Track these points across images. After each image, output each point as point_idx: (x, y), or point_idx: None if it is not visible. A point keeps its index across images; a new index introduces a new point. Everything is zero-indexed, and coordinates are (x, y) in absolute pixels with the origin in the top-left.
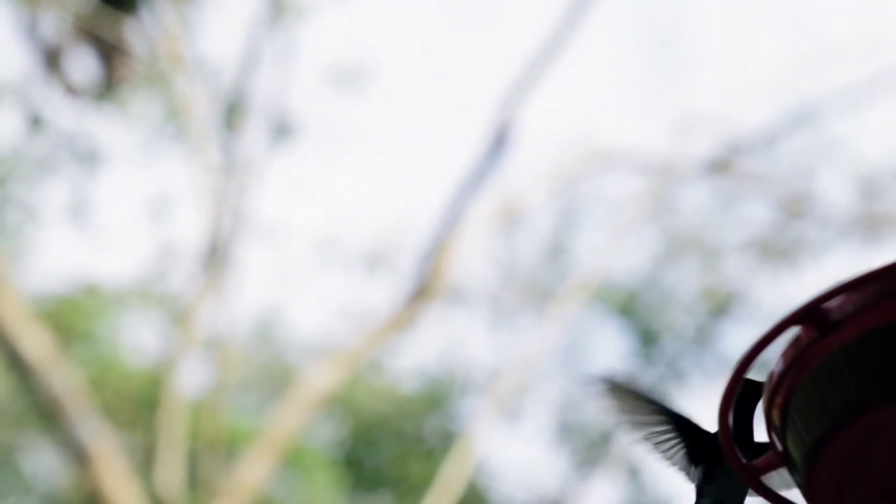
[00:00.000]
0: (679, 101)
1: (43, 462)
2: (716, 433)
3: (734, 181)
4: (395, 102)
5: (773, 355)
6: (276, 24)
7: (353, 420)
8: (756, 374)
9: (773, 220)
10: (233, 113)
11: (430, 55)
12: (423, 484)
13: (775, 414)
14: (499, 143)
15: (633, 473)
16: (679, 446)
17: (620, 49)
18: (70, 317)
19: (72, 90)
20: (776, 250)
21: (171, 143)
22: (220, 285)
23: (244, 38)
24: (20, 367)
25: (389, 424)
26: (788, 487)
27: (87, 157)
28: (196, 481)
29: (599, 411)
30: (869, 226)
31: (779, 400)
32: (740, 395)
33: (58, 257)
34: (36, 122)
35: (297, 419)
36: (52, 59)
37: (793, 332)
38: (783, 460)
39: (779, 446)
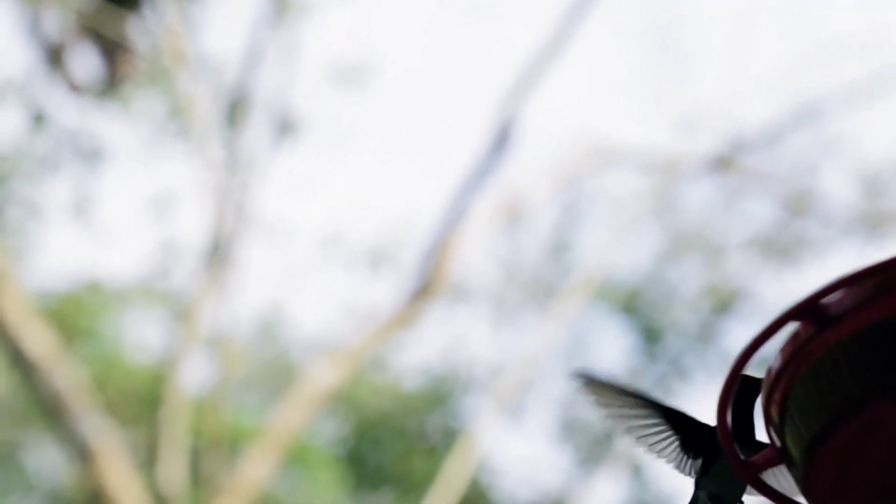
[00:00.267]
0: (682, 99)
1: (46, 459)
2: (714, 426)
3: (737, 179)
4: (397, 100)
5: (773, 351)
6: (278, 21)
7: (356, 417)
8: (757, 370)
9: (776, 218)
10: (235, 110)
11: (433, 53)
12: (425, 481)
13: (774, 410)
14: (501, 140)
15: (636, 471)
16: (669, 439)
17: (623, 46)
18: (73, 314)
19: (75, 87)
20: (779, 248)
21: (173, 140)
22: (223, 282)
23: (247, 36)
24: (23, 365)
25: (392, 422)
26: (787, 484)
27: (90, 155)
28: (199, 478)
29: (592, 407)
30: (872, 223)
31: (777, 396)
32: (739, 391)
33: (61, 254)
34: (39, 119)
35: (299, 416)
36: (54, 57)
37: (791, 327)
38: (782, 456)
39: (777, 442)
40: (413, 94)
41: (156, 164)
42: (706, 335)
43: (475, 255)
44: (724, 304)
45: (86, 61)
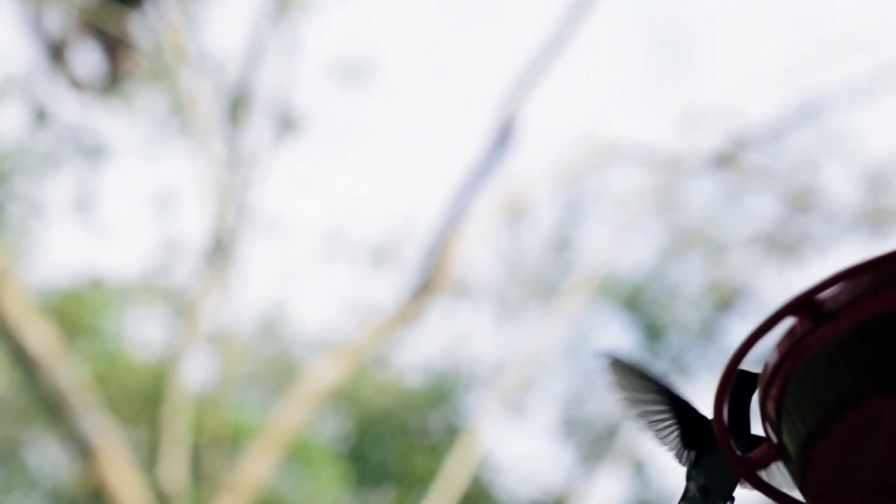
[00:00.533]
0: (684, 96)
1: (47, 456)
2: (711, 419)
3: (739, 176)
4: (399, 97)
5: (770, 346)
6: (280, 18)
7: (358, 415)
8: (755, 366)
9: (779, 215)
10: (237, 107)
11: (435, 50)
12: (427, 478)
13: (770, 405)
14: (503, 137)
15: (639, 468)
16: (674, 428)
17: (625, 43)
18: (75, 311)
19: (76, 84)
20: (781, 245)
21: (175, 137)
22: (225, 280)
23: (248, 33)
24: (25, 362)
25: (394, 419)
26: (783, 479)
27: (92, 152)
28: (200, 476)
29: (603, 390)
30: (874, 220)
31: (774, 391)
32: (737, 387)
33: (62, 252)
34: (41, 116)
35: (301, 414)
36: (56, 54)
37: (788, 322)
38: (778, 452)
39: (774, 438)
40: (415, 91)
41: (157, 161)
42: (708, 332)
43: (477, 253)
44: (726, 300)
45: (88, 58)
